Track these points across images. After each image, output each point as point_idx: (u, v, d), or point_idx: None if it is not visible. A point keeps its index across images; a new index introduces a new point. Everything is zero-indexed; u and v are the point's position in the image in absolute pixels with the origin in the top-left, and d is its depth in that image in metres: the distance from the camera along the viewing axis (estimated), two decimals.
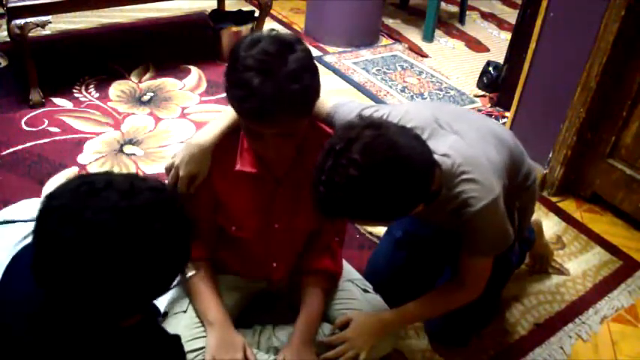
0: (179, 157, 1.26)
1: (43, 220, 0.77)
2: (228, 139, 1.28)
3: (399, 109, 1.34)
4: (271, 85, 1.07)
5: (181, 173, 1.25)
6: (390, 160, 1.05)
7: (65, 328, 0.86)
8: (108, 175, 0.83)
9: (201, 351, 1.27)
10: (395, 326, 1.42)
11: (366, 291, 1.50)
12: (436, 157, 1.19)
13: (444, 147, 1.23)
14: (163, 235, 0.80)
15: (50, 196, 0.79)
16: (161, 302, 1.52)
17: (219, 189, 1.31)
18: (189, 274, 1.25)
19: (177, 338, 1.02)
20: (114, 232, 0.75)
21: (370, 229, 2.04)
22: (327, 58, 3.36)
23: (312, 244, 1.45)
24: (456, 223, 1.26)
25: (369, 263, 1.71)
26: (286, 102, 1.08)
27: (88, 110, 2.61)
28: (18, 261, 0.97)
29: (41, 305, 0.85)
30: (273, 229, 1.36)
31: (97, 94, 2.74)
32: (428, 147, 1.14)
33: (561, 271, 1.96)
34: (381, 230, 2.05)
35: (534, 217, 1.84)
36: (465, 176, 1.21)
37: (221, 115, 1.31)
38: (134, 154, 2.35)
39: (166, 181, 1.28)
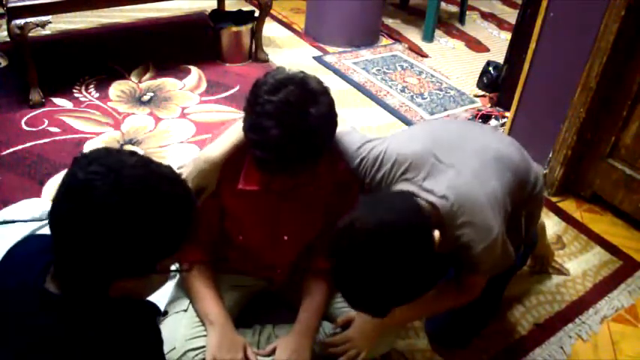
0: (187, 171, 1.24)
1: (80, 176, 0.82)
2: (236, 155, 1.26)
3: (394, 144, 1.32)
4: (288, 139, 1.05)
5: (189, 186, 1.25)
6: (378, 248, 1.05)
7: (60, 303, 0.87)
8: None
9: (201, 350, 1.27)
10: (394, 325, 1.42)
11: None
12: (434, 199, 1.20)
13: (441, 187, 1.22)
14: (172, 198, 0.87)
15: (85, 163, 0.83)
16: (161, 302, 1.52)
17: (227, 203, 1.31)
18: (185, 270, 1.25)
19: (160, 341, 1.02)
20: (141, 196, 0.83)
21: None
22: (327, 58, 3.36)
23: (320, 244, 1.44)
24: (458, 256, 1.29)
25: None
26: (300, 158, 1.09)
27: (88, 110, 2.62)
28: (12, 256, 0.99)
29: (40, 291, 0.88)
30: (282, 241, 1.36)
31: (97, 94, 2.74)
32: (421, 217, 1.14)
33: (561, 271, 1.96)
34: None
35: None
36: (463, 219, 1.21)
37: (231, 130, 1.28)
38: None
39: None
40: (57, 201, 0.84)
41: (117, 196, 0.81)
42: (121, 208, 0.81)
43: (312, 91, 1.09)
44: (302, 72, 1.13)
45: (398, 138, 1.36)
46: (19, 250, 1.00)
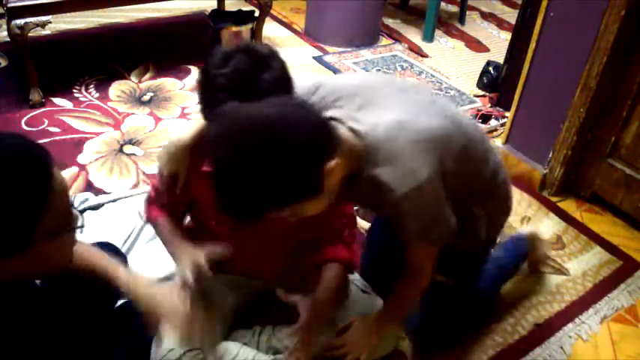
0: (161, 160, 1.25)
1: None
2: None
3: (331, 78, 1.25)
4: None
5: (164, 174, 1.25)
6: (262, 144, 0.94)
7: None
8: None
9: (200, 350, 1.27)
10: (387, 324, 1.40)
11: (365, 291, 1.50)
12: (359, 127, 1.09)
13: (372, 119, 1.10)
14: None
15: None
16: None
17: (196, 187, 1.30)
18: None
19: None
20: None
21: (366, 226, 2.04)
22: (327, 58, 3.36)
23: (322, 239, 1.44)
24: (380, 207, 1.18)
25: (364, 245, 1.70)
26: None
27: (88, 110, 2.61)
28: None
29: None
30: (259, 229, 1.34)
31: (97, 94, 2.74)
32: (314, 114, 1.03)
33: (561, 271, 1.96)
34: None
35: (530, 229, 1.86)
36: (386, 154, 1.08)
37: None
38: (134, 154, 2.35)
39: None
40: None
41: None
42: None
43: (261, 57, 1.06)
44: (248, 42, 1.12)
45: (335, 76, 1.28)
46: None
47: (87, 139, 2.41)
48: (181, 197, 1.31)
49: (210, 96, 1.06)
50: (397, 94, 1.19)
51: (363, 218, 2.08)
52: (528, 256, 1.85)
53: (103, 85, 2.82)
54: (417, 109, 1.16)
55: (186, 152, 1.24)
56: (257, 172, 0.95)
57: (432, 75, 3.29)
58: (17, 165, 0.79)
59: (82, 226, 0.91)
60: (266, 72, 1.05)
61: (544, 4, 2.17)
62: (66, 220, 0.86)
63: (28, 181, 0.80)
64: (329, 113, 1.12)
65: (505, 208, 1.46)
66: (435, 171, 1.11)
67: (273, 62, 1.07)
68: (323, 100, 1.17)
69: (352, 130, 1.10)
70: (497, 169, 1.36)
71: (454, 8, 4.32)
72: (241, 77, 1.03)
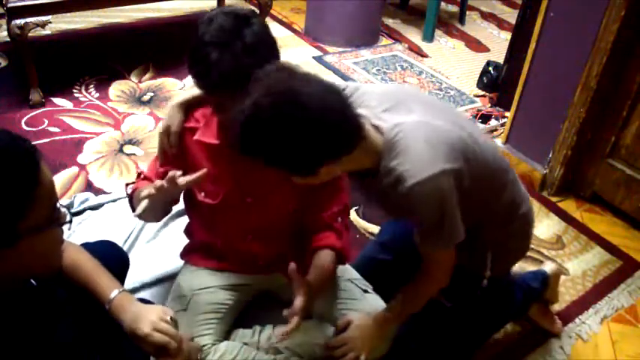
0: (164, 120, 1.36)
1: None
2: (203, 107, 1.33)
3: (365, 85, 1.32)
4: (229, 58, 1.11)
5: (160, 131, 1.35)
6: (284, 102, 1.02)
7: None
8: None
9: (203, 347, 1.28)
10: (388, 324, 1.40)
11: (366, 291, 1.50)
12: (381, 123, 1.15)
13: (394, 120, 1.16)
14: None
15: None
16: (161, 301, 1.53)
17: (191, 155, 1.35)
18: (139, 211, 1.23)
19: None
20: None
21: (370, 228, 2.04)
22: (327, 58, 3.36)
23: (313, 224, 1.44)
24: (396, 204, 1.19)
25: (357, 260, 1.67)
26: (244, 74, 1.10)
27: (88, 110, 2.62)
28: None
29: None
30: (246, 204, 1.37)
31: (97, 94, 2.74)
32: (347, 104, 1.09)
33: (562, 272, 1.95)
34: None
35: (553, 267, 1.75)
36: (401, 148, 1.12)
37: None
38: (134, 154, 2.35)
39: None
40: None
41: None
42: None
43: (243, 16, 1.16)
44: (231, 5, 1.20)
45: (372, 84, 1.34)
46: None
47: (87, 139, 2.41)
48: (176, 164, 1.33)
49: (196, 52, 1.14)
50: (425, 104, 1.25)
51: (364, 218, 2.08)
52: (539, 296, 1.73)
53: (103, 85, 2.82)
54: (442, 118, 1.21)
55: (181, 110, 1.34)
56: (289, 129, 1.02)
57: (432, 75, 3.29)
58: (5, 157, 0.79)
59: (70, 222, 0.91)
60: (247, 28, 1.14)
61: (544, 4, 2.17)
62: (53, 215, 0.86)
63: (15, 174, 0.79)
64: (357, 110, 1.17)
65: (519, 244, 1.47)
66: (451, 169, 1.13)
67: (254, 20, 1.16)
68: (356, 99, 1.23)
69: (374, 126, 1.16)
70: (519, 202, 1.37)
71: (454, 8, 4.32)
72: (224, 33, 1.12)
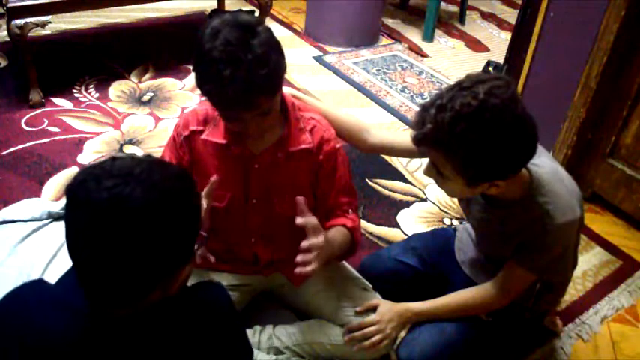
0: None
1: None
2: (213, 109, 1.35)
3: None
4: (242, 73, 1.09)
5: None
6: (507, 107, 1.11)
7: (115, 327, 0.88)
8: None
9: None
10: (422, 317, 1.41)
11: (365, 289, 1.50)
12: (531, 164, 1.23)
13: (540, 160, 1.28)
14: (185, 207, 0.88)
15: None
16: None
17: (197, 151, 1.36)
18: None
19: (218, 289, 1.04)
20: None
21: (373, 230, 2.04)
22: (327, 58, 3.36)
23: (325, 214, 1.42)
24: (526, 233, 1.27)
25: (373, 254, 1.70)
26: (260, 86, 1.11)
27: (88, 110, 2.62)
28: (24, 299, 0.95)
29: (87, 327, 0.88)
30: (251, 205, 1.38)
31: (97, 94, 2.74)
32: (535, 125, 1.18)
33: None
34: (383, 233, 2.05)
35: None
36: (551, 188, 1.24)
37: None
38: (134, 154, 2.35)
39: None
40: (86, 230, 0.80)
41: (155, 195, 0.81)
42: (158, 207, 0.81)
43: (247, 25, 1.13)
44: (231, 13, 1.18)
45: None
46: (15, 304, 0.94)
47: (87, 139, 2.41)
48: (184, 158, 1.36)
49: (205, 70, 1.13)
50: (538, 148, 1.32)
51: (364, 218, 2.08)
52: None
53: (103, 85, 2.82)
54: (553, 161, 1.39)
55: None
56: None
57: (432, 75, 3.29)
58: (189, 183, 0.91)
59: None
60: (254, 38, 1.11)
61: (544, 4, 2.17)
62: None
63: (195, 200, 0.92)
64: None
65: (555, 296, 1.56)
66: (581, 217, 1.29)
67: (258, 28, 1.14)
68: None
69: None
70: (574, 265, 1.49)
71: (454, 8, 4.32)
72: (232, 47, 1.10)
